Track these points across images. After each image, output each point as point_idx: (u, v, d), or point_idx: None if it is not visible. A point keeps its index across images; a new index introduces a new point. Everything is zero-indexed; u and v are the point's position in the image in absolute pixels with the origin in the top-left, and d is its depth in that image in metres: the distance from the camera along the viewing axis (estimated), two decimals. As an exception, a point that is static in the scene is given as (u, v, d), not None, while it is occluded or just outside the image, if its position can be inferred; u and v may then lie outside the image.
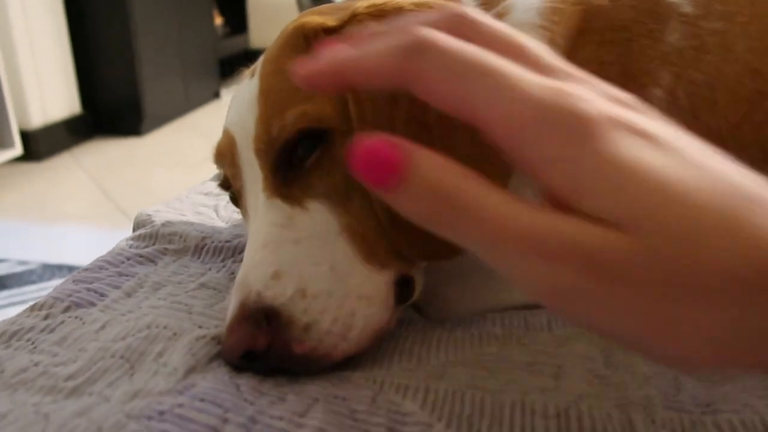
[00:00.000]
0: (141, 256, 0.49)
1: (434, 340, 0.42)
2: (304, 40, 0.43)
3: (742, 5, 0.42)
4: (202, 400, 0.32)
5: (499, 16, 0.45)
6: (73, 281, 0.45)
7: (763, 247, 0.20)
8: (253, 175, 0.43)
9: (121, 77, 2.87)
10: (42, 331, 0.40)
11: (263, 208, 0.41)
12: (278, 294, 0.37)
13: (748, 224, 0.20)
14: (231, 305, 0.39)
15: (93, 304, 0.43)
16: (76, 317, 0.41)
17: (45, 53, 2.66)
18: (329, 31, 0.42)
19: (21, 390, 0.34)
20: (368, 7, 0.42)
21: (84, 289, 0.44)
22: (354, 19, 0.42)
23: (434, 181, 0.21)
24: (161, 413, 0.31)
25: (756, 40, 0.41)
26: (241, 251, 0.51)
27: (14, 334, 0.39)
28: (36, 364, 0.36)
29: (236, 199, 0.48)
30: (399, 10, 0.41)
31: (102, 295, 0.44)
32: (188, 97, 3.34)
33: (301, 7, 3.37)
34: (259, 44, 4.26)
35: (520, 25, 0.43)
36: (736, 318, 0.20)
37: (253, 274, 0.38)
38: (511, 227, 0.21)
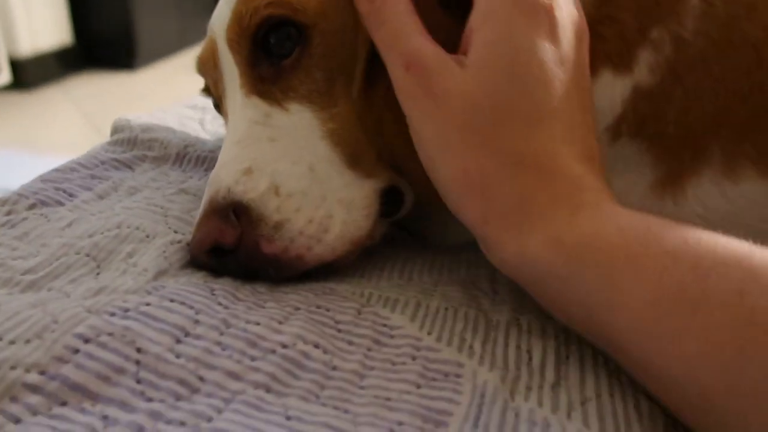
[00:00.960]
0: (117, 161, 0.46)
1: (428, 261, 0.40)
2: None
3: None
4: (171, 300, 0.30)
5: None
6: (41, 180, 0.42)
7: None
8: (232, 76, 0.40)
9: (114, 9, 2.76)
10: (2, 225, 0.36)
11: (240, 106, 0.38)
12: (249, 189, 0.35)
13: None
14: (202, 202, 0.36)
15: (61, 204, 0.40)
16: (41, 215, 0.38)
17: (34, -23, 2.55)
18: None
19: (-26, 281, 0.31)
20: None
21: (52, 188, 0.41)
22: None
23: None
24: (125, 310, 0.28)
25: None
26: (226, 162, 0.48)
27: (-28, 226, 0.36)
28: (-7, 257, 0.33)
29: (219, 106, 0.45)
30: None
31: (71, 195, 0.41)
32: (183, 34, 3.23)
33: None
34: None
35: None
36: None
37: (225, 170, 0.36)
38: (401, 41, 0.32)
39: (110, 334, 0.26)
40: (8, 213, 0.38)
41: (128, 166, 0.46)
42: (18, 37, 2.50)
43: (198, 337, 0.28)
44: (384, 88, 0.35)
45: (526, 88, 0.30)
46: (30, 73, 2.56)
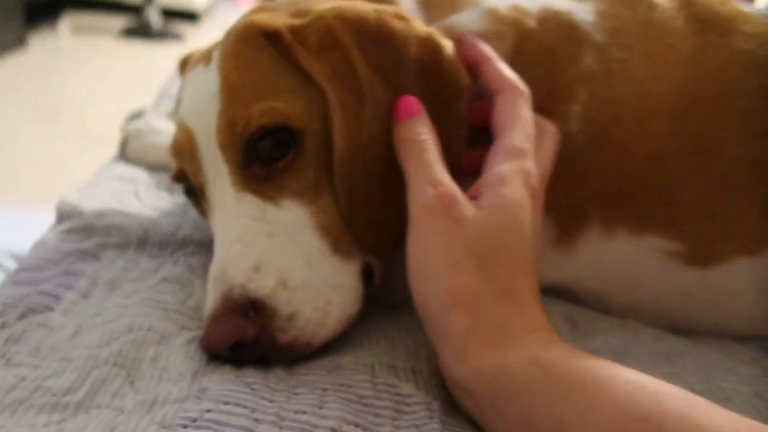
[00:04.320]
0: (80, 252, 0.46)
1: (399, 322, 0.46)
2: (266, 37, 0.43)
3: (640, 38, 0.51)
4: (226, 403, 0.33)
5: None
6: (14, 283, 0.41)
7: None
8: (217, 170, 0.43)
9: None
10: (7, 341, 0.36)
11: (233, 202, 0.42)
12: (261, 286, 0.39)
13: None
14: (210, 298, 0.39)
15: (50, 308, 0.40)
16: (39, 324, 0.38)
17: None
18: (296, 31, 0.43)
19: (20, 410, 0.31)
20: (331, 10, 0.44)
21: (34, 293, 0.40)
22: (319, 21, 0.43)
23: (420, 126, 0.41)
24: (193, 420, 0.31)
25: (650, 68, 0.50)
26: (188, 244, 0.50)
27: (-24, 348, 0.35)
28: (23, 379, 0.33)
29: (191, 192, 0.47)
30: (361, 20, 0.44)
31: (56, 297, 0.41)
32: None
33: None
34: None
35: None
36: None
37: (233, 268, 0.39)
38: (434, 168, 0.39)
39: (194, 447, 0.29)
40: (2, 326, 0.37)
41: (93, 255, 0.46)
42: None
43: (264, 434, 0.32)
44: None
45: (519, 240, 0.38)
46: None
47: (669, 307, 0.52)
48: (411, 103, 0.42)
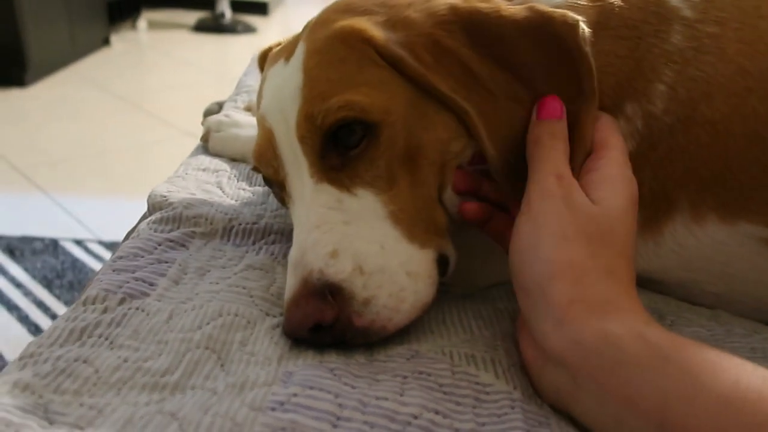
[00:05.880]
0: (171, 241, 0.48)
1: (476, 312, 0.46)
2: (362, 41, 0.43)
3: (734, 13, 0.48)
4: (311, 387, 0.34)
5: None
6: (113, 271, 0.44)
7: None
8: (296, 162, 0.44)
9: (0, 22, 2.56)
10: (110, 325, 0.39)
11: (311, 192, 0.43)
12: (339, 271, 0.39)
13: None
14: (290, 283, 0.40)
15: (146, 294, 0.42)
16: (137, 308, 0.40)
17: None
18: (409, 48, 0.43)
19: (124, 389, 0.34)
20: (427, 18, 0.44)
21: (131, 279, 0.43)
22: (420, 34, 0.43)
23: (557, 130, 0.42)
24: (281, 403, 0.33)
25: (746, 44, 0.47)
26: (269, 233, 0.52)
27: (83, 330, 0.38)
28: (125, 360, 0.36)
29: (270, 182, 0.48)
30: (455, 9, 0.44)
31: (150, 284, 0.43)
32: (75, 44, 3.05)
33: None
34: (151, -14, 3.95)
35: None
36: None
37: (312, 253, 0.40)
38: (562, 162, 0.41)
39: (283, 429, 0.31)
40: (105, 311, 0.40)
41: (182, 244, 0.48)
42: None
43: (348, 419, 0.33)
44: None
45: (623, 232, 0.40)
46: None
47: (764, 298, 0.49)
48: (555, 104, 0.43)
